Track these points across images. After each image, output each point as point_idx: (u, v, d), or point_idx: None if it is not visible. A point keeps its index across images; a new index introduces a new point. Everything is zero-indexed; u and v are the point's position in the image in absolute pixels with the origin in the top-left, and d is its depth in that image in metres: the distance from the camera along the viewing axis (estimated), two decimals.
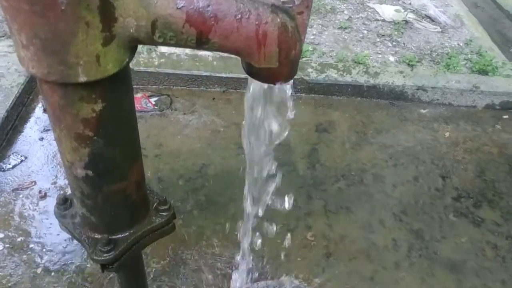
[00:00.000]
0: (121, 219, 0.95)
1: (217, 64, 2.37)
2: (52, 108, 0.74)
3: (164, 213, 1.02)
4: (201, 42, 0.67)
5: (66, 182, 1.85)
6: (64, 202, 1.01)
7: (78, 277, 1.53)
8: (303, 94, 2.39)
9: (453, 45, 2.86)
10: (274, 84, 0.76)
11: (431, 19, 3.09)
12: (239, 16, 0.66)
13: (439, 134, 2.27)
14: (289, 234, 1.73)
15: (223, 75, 2.32)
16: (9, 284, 1.50)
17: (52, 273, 1.55)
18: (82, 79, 0.66)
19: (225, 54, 2.20)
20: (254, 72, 0.75)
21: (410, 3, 3.21)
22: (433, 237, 1.79)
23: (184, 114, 2.20)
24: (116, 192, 0.89)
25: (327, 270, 1.64)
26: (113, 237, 0.95)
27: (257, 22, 0.67)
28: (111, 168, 0.84)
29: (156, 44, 0.69)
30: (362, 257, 1.69)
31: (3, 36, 2.56)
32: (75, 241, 1.42)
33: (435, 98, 2.43)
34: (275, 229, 1.63)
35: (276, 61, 0.71)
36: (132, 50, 0.70)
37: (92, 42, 0.63)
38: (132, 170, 0.89)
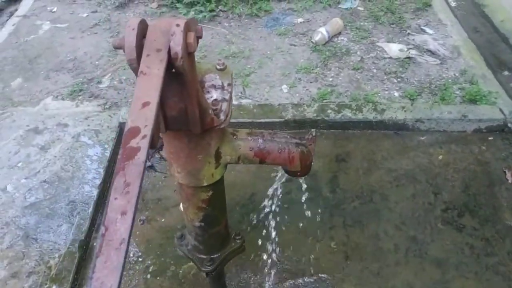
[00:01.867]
0: (216, 246, 1.66)
1: (257, 111, 3.06)
2: (185, 195, 1.45)
3: (238, 241, 1.73)
4: (261, 163, 1.37)
5: (147, 212, 2.59)
6: (180, 237, 1.74)
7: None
8: (325, 131, 3.05)
9: (449, 76, 3.45)
10: (298, 177, 1.45)
11: (432, 53, 3.68)
12: (280, 151, 1.35)
13: (434, 157, 2.89)
14: (317, 243, 2.42)
15: (262, 120, 3.01)
16: None
17: (157, 277, 2.29)
18: (205, 184, 1.37)
19: (263, 103, 2.88)
20: (288, 172, 1.44)
21: (413, 39, 3.81)
22: (424, 241, 2.43)
23: None
24: (215, 232, 1.60)
25: (346, 268, 2.32)
26: (212, 256, 1.67)
27: (289, 153, 1.36)
28: (213, 220, 1.55)
29: (238, 164, 1.39)
30: (371, 258, 2.36)
31: (91, 97, 3.34)
32: None
33: (431, 126, 3.05)
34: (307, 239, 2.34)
35: (299, 167, 1.40)
36: (226, 167, 1.40)
37: (210, 169, 1.33)
38: (223, 219, 1.60)
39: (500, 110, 3.07)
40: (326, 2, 4.26)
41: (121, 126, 3.03)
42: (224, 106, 1.18)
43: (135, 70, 0.91)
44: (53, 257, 2.32)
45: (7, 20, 4.46)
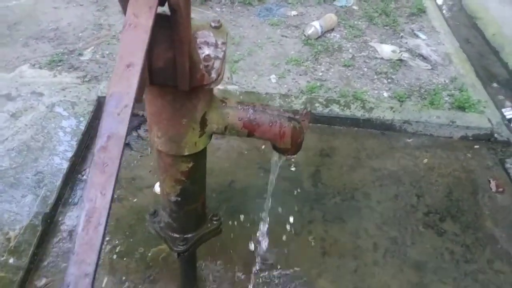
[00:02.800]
0: (191, 225, 1.55)
1: (243, 98, 2.96)
2: (164, 165, 1.34)
3: (215, 222, 1.62)
4: (250, 135, 1.26)
5: (119, 191, 2.46)
6: (153, 213, 1.62)
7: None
8: (311, 124, 2.96)
9: (440, 82, 3.41)
10: (287, 155, 1.35)
11: (424, 57, 3.64)
12: (271, 124, 1.25)
13: (419, 160, 2.83)
14: (295, 236, 2.32)
15: None
16: None
17: (124, 258, 2.16)
18: (186, 153, 1.25)
19: (250, 90, 2.79)
20: (277, 149, 1.33)
21: (406, 42, 3.77)
22: (404, 243, 2.36)
23: (216, 139, 2.79)
24: (191, 209, 1.48)
25: (323, 264, 2.23)
26: (186, 236, 1.55)
27: (280, 127, 1.25)
28: (191, 196, 1.43)
29: (225, 135, 1.28)
30: (349, 256, 2.27)
31: (70, 68, 3.18)
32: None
33: (418, 129, 2.99)
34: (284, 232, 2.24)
35: (289, 145, 1.30)
36: (210, 137, 1.29)
37: (193, 136, 1.22)
38: (202, 196, 1.49)
39: (488, 119, 3.04)
40: None
41: (100, 100, 2.88)
42: (217, 63, 1.07)
43: (123, 2, 0.80)
44: (13, 229, 2.16)
45: None
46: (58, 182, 2.37)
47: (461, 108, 3.11)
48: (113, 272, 2.11)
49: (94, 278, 0.62)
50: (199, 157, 1.32)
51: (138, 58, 0.75)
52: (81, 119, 2.73)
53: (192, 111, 1.15)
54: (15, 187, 2.34)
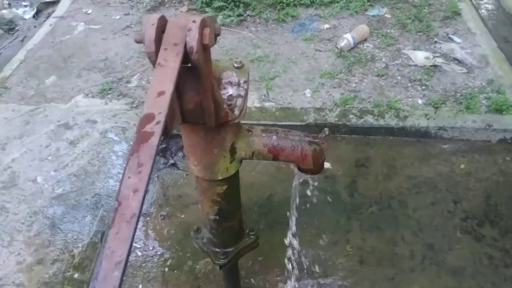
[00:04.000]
0: (230, 240, 1.71)
1: (279, 114, 3.11)
2: (201, 188, 1.51)
3: (252, 237, 1.77)
4: (275, 159, 1.41)
5: (168, 208, 2.66)
6: (197, 230, 1.79)
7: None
8: (346, 135, 3.07)
9: (476, 85, 3.41)
10: (311, 175, 1.49)
11: (459, 61, 3.65)
12: (293, 148, 1.39)
13: (455, 166, 2.87)
14: (334, 246, 2.43)
15: (284, 123, 3.04)
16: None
17: (175, 271, 2.36)
18: (220, 177, 1.41)
19: (285, 106, 2.93)
20: (301, 170, 1.47)
21: (440, 47, 3.78)
22: (442, 249, 2.41)
23: None
24: (229, 226, 1.64)
25: (360, 272, 2.33)
26: (226, 250, 1.71)
27: (301, 150, 1.39)
28: (228, 214, 1.59)
29: (252, 159, 1.43)
30: (386, 263, 2.36)
31: (120, 95, 3.46)
32: None
33: (454, 135, 3.02)
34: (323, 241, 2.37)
35: (311, 166, 1.43)
36: (240, 162, 1.45)
37: (225, 163, 1.38)
38: (238, 214, 1.65)
39: None
40: (353, 9, 4.28)
41: None
42: (239, 101, 1.23)
43: (154, 63, 0.97)
44: (76, 247, 2.41)
45: (45, 20, 4.65)
46: (114, 202, 2.61)
47: (498, 110, 3.10)
48: (165, 283, 2.31)
49: (124, 269, 0.63)
50: (232, 180, 1.48)
51: (168, 88, 0.89)
52: (131, 142, 2.97)
53: (221, 142, 1.31)
54: (76, 209, 2.60)
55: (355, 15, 4.25)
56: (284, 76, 3.53)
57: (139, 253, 2.44)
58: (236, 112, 1.21)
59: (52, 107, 3.38)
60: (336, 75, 3.51)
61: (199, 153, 1.35)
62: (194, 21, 0.93)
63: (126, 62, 3.83)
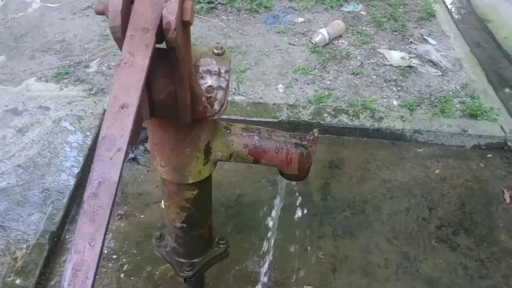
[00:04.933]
0: (198, 250, 1.52)
1: (250, 110, 2.92)
2: (168, 192, 1.30)
3: (222, 246, 1.59)
4: (256, 162, 1.23)
5: (126, 207, 2.44)
6: (159, 237, 1.59)
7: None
8: (320, 135, 2.91)
9: (450, 88, 3.35)
10: (294, 181, 1.31)
11: (434, 63, 3.58)
12: (277, 150, 1.21)
13: (430, 171, 2.77)
14: (305, 252, 2.28)
15: (255, 119, 2.86)
16: None
17: (132, 277, 2.14)
18: (191, 181, 1.22)
19: (257, 101, 2.75)
20: (285, 175, 1.30)
21: (415, 48, 3.70)
22: (417, 258, 2.31)
23: None
24: (197, 235, 1.45)
25: (333, 281, 2.19)
26: (192, 261, 1.52)
27: (287, 153, 1.22)
28: (196, 222, 1.40)
29: (230, 162, 1.24)
30: (360, 272, 2.23)
31: (77, 81, 3.17)
32: None
33: (429, 139, 2.93)
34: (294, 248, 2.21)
35: (297, 171, 1.26)
36: (215, 165, 1.25)
37: (198, 165, 1.19)
38: (207, 221, 1.46)
39: (501, 127, 2.97)
40: (328, 3, 4.14)
41: None
42: (220, 94, 1.04)
43: (119, 41, 0.76)
44: (20, 248, 2.15)
45: None
46: (65, 199, 2.35)
47: (473, 116, 3.04)
48: None
49: None
50: (204, 184, 1.29)
51: (133, 99, 0.72)
52: (88, 133, 2.71)
53: (195, 141, 1.12)
54: (22, 205, 2.33)
55: (330, 10, 4.11)
56: (255, 69, 3.35)
57: None
58: (216, 106, 1.02)
59: (0, 90, 3.06)
60: (310, 71, 3.35)
61: (168, 153, 1.15)
62: None
63: (86, 45, 3.54)
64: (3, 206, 2.32)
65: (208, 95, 1.02)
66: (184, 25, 0.78)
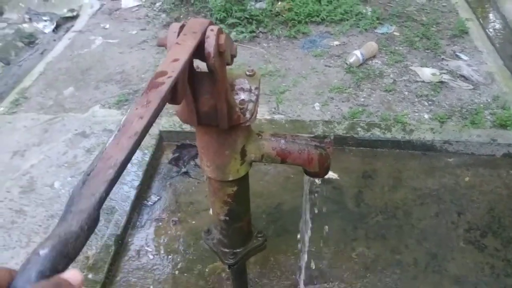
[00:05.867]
0: (239, 241, 1.80)
1: (288, 126, 3.21)
2: (213, 189, 1.60)
3: (260, 239, 1.86)
4: (283, 162, 1.51)
5: (179, 214, 2.76)
6: (207, 231, 1.88)
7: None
8: (354, 148, 3.15)
9: (481, 101, 3.49)
10: (317, 178, 1.58)
11: (465, 78, 3.74)
12: (300, 151, 1.48)
13: (460, 179, 2.93)
14: (339, 253, 2.51)
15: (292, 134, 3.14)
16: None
17: (185, 273, 2.44)
18: (231, 178, 1.51)
19: (295, 119, 3.03)
20: (307, 173, 1.57)
21: (447, 64, 3.88)
22: (445, 258, 2.47)
23: (265, 165, 3.05)
24: (238, 227, 1.73)
25: (365, 278, 2.39)
26: (235, 250, 1.80)
27: (308, 154, 1.49)
28: (237, 215, 1.69)
29: (262, 162, 1.53)
30: (390, 271, 2.42)
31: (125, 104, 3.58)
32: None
33: (459, 149, 3.09)
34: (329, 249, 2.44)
35: (317, 168, 1.53)
36: (250, 165, 1.54)
37: (236, 165, 1.48)
38: (247, 215, 1.74)
39: None
40: (363, 26, 4.40)
41: (161, 134, 3.24)
42: (250, 106, 1.33)
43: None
44: (91, 249, 2.51)
45: (64, 34, 4.84)
46: (127, 207, 2.71)
47: (503, 126, 3.17)
48: (176, 285, 2.39)
49: (119, 172, 0.63)
50: (242, 181, 1.58)
51: (183, 56, 0.95)
52: (146, 151, 3.09)
53: (233, 144, 1.42)
54: None
55: (364, 33, 4.37)
56: (294, 90, 3.64)
57: (151, 256, 2.53)
58: (248, 115, 1.32)
59: (70, 117, 3.52)
60: (345, 89, 3.61)
61: (212, 155, 1.45)
62: (212, 29, 1.04)
63: (142, 75, 3.97)
64: None
65: (241, 106, 1.32)
66: (220, 53, 1.09)
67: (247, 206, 1.74)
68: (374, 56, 4.01)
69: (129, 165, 2.43)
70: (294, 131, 3.17)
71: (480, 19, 4.73)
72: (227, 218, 1.68)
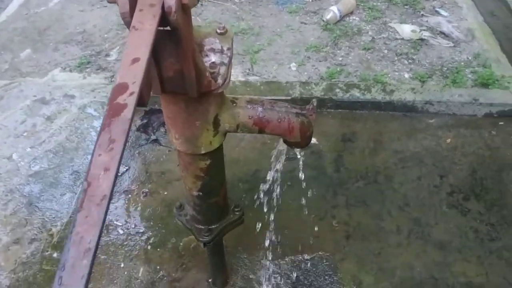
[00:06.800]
0: (214, 217, 1.65)
1: (264, 88, 3.03)
2: (184, 163, 1.44)
3: (237, 213, 1.72)
4: (261, 132, 1.35)
5: (150, 185, 2.59)
6: (179, 207, 1.73)
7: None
8: (332, 110, 3.01)
9: (462, 59, 3.37)
10: (298, 148, 1.43)
11: (445, 35, 3.60)
12: (279, 120, 1.32)
13: (442, 140, 2.84)
14: (319, 221, 2.40)
15: (268, 97, 2.96)
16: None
17: (158, 249, 2.30)
18: (203, 151, 1.34)
19: (270, 80, 2.85)
20: (287, 143, 1.41)
21: (427, 21, 3.72)
22: (428, 223, 2.40)
23: None
24: (213, 203, 1.58)
25: (347, 247, 2.30)
26: (210, 227, 1.66)
27: (288, 123, 1.33)
28: (211, 190, 1.53)
29: (237, 132, 1.36)
30: (372, 238, 2.34)
31: (98, 69, 3.33)
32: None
33: (441, 109, 2.99)
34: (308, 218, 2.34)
35: (299, 138, 1.37)
36: (224, 136, 1.38)
37: (208, 136, 1.31)
38: (222, 190, 1.59)
39: None
40: None
41: None
42: (223, 69, 1.15)
43: (128, 24, 0.88)
44: (55, 225, 2.34)
45: None
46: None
47: (485, 84, 3.08)
48: (148, 262, 2.26)
49: (94, 257, 0.59)
50: (216, 154, 1.41)
51: (144, 54, 0.81)
52: None
53: (204, 114, 1.24)
54: (54, 187, 2.51)
55: None
56: (268, 50, 3.44)
57: (121, 231, 2.38)
58: (220, 81, 1.14)
59: (28, 82, 3.25)
60: (322, 48, 3.43)
61: (181, 126, 1.27)
62: None
63: (105, 35, 3.69)
64: (38, 188, 2.51)
65: (212, 70, 1.13)
66: (184, 7, 0.89)
67: (222, 179, 1.59)
68: (351, 13, 3.81)
69: (93, 133, 2.21)
70: (270, 93, 3.00)
71: None
72: (201, 193, 1.52)
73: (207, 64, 1.14)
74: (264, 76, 3.18)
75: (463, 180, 2.61)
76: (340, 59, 3.34)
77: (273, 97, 2.97)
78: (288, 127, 1.33)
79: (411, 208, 2.47)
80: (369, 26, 3.67)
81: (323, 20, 3.70)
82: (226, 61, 1.17)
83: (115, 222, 2.42)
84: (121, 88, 0.75)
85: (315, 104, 1.38)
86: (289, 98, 2.96)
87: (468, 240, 2.33)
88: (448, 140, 2.84)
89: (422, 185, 2.58)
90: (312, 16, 3.79)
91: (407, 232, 2.37)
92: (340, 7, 3.69)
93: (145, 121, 2.99)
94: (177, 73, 1.05)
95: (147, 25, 0.84)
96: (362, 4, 3.89)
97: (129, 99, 0.73)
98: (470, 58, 3.38)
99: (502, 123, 2.95)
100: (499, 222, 2.41)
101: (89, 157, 2.36)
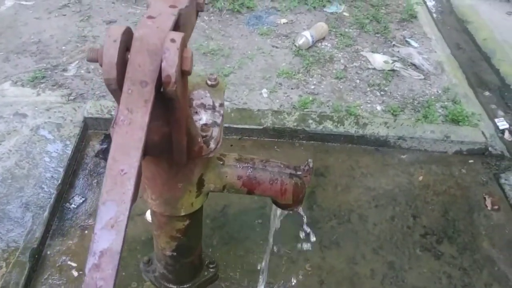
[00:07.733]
0: (187, 276, 1.49)
1: (234, 116, 2.88)
2: (158, 223, 1.26)
3: (212, 270, 1.56)
4: (250, 193, 1.20)
5: None
6: (147, 261, 1.55)
7: None
8: (304, 141, 2.91)
9: (432, 92, 3.37)
10: (289, 210, 1.29)
11: (416, 67, 3.60)
12: (271, 182, 1.18)
13: (414, 177, 2.79)
14: (291, 265, 2.27)
15: (239, 126, 2.83)
16: None
17: None
18: (182, 213, 1.18)
19: (241, 107, 2.71)
20: (279, 205, 1.27)
21: (398, 51, 3.71)
22: (402, 267, 2.32)
23: None
24: (187, 262, 1.42)
25: None
26: (182, 286, 1.49)
27: (281, 184, 1.19)
28: (187, 250, 1.37)
29: (222, 193, 1.21)
30: (346, 283, 2.23)
31: (54, 85, 3.07)
32: None
33: (413, 145, 2.95)
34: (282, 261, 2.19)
35: (291, 201, 1.24)
36: (207, 196, 1.22)
37: (190, 198, 1.15)
38: (197, 249, 1.42)
39: (482, 133, 3.01)
40: (311, 4, 4.11)
41: (86, 121, 2.78)
42: (215, 132, 1.00)
43: (114, 93, 0.72)
44: (0, 266, 2.08)
45: None
46: (45, 213, 2.28)
47: (455, 121, 3.07)
48: None
49: None
50: (196, 214, 1.26)
51: (133, 160, 0.68)
52: (67, 142, 2.63)
53: (188, 176, 1.08)
54: (0, 221, 2.24)
55: (313, 11, 4.09)
56: (239, 73, 3.30)
57: (75, 273, 2.15)
58: (212, 145, 0.99)
59: None
60: (294, 75, 3.33)
61: (160, 187, 1.11)
62: (173, 40, 0.69)
63: (63, 47, 3.42)
64: None
65: (204, 133, 0.98)
66: (183, 74, 0.74)
67: (199, 238, 1.43)
68: (323, 38, 3.75)
69: (47, 159, 1.97)
70: (241, 122, 2.86)
71: (428, 3, 4.62)
72: (175, 253, 1.35)
73: (198, 125, 0.98)
74: (234, 102, 3.03)
75: (436, 221, 2.56)
76: (313, 87, 3.25)
77: (244, 126, 2.83)
78: (280, 190, 1.20)
79: (385, 251, 2.39)
80: (341, 53, 3.61)
81: (295, 45, 3.60)
82: (218, 120, 1.02)
83: (68, 262, 2.19)
84: (108, 209, 0.67)
85: (311, 165, 1.25)
86: (261, 127, 2.83)
87: (442, 286, 2.28)
88: (420, 178, 2.80)
89: (395, 225, 2.51)
90: (283, 40, 3.69)
91: (381, 276, 2.28)
92: (313, 32, 3.61)
93: (104, 146, 2.77)
94: (164, 138, 0.89)
95: (138, 116, 0.68)
96: (334, 30, 3.84)
97: (118, 224, 0.67)
98: (439, 92, 3.38)
99: (472, 161, 2.95)
100: (472, 267, 2.37)
101: (43, 186, 2.13)
